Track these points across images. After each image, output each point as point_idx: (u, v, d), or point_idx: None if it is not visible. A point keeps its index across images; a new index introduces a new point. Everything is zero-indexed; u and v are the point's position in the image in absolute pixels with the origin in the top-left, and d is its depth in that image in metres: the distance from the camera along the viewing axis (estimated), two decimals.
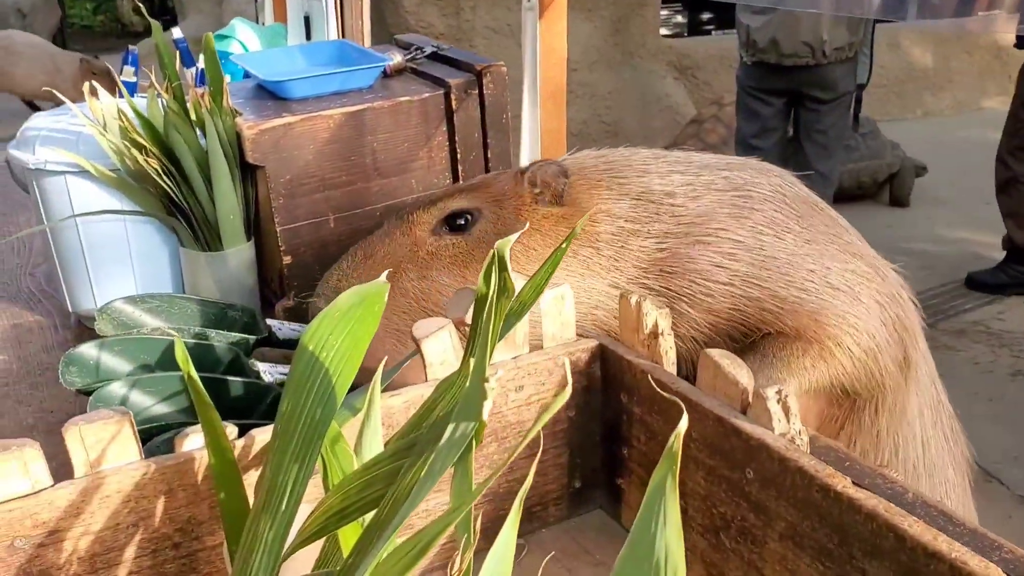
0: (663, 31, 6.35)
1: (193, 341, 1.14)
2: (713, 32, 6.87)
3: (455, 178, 1.37)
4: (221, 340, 1.16)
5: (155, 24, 1.26)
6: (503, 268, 0.55)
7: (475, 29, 5.20)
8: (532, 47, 1.36)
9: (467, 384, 0.55)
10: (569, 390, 0.49)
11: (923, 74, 6.85)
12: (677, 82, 6.07)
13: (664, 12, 6.57)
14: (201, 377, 1.10)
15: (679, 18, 7.08)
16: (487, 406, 0.52)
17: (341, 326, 0.67)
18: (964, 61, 7.08)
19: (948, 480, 1.16)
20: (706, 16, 7.00)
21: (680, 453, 0.49)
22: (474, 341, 0.57)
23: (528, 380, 0.88)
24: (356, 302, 0.69)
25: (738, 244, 1.02)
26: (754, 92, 3.94)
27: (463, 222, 1.06)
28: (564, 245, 0.65)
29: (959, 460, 1.20)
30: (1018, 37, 3.97)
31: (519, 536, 0.93)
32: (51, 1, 8.59)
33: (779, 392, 0.75)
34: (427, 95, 1.33)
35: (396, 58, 1.41)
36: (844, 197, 4.99)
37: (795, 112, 4.02)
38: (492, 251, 0.56)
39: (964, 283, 4.23)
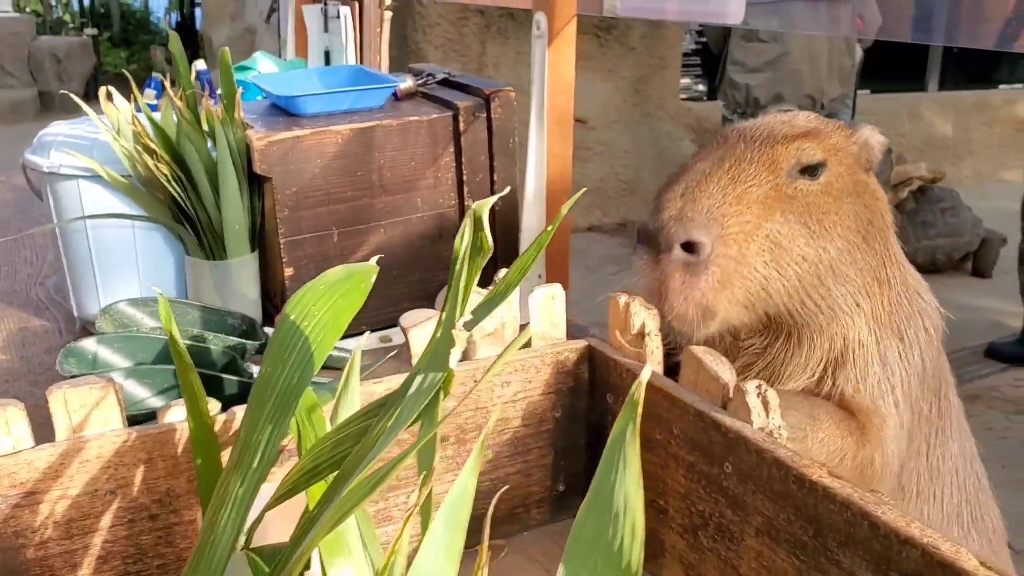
0: (682, 95, 6.43)
1: (190, 342, 1.15)
2: None
3: (460, 199, 1.39)
4: (218, 344, 1.17)
5: (172, 34, 1.30)
6: (479, 227, 0.57)
7: None
8: (540, 74, 1.39)
9: (438, 335, 0.56)
10: (531, 329, 0.49)
11: (943, 144, 6.88)
12: (694, 144, 6.12)
13: (685, 80, 6.66)
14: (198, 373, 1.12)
15: (700, 86, 7.17)
16: (455, 354, 0.53)
17: (325, 298, 0.68)
18: (984, 132, 7.11)
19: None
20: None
21: (641, 403, 0.50)
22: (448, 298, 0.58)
23: (515, 377, 0.88)
24: (343, 277, 0.70)
25: (894, 365, 1.04)
26: None
27: (815, 168, 0.99)
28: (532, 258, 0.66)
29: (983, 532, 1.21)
30: None
31: (500, 537, 0.93)
32: (87, 48, 8.81)
33: (759, 386, 0.75)
34: (436, 116, 1.36)
35: (408, 82, 1.44)
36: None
37: None
38: (472, 209, 0.57)
39: (984, 352, 4.20)
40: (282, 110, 1.40)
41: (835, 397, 1.02)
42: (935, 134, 6.89)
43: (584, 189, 0.73)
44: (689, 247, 0.92)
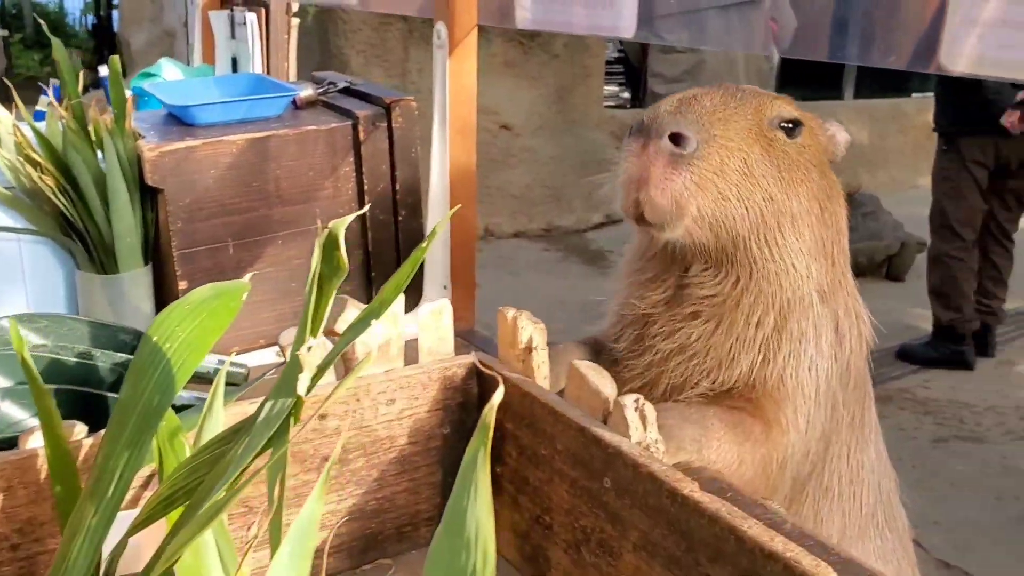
0: (606, 103, 6.49)
1: (76, 360, 1.11)
2: None
3: (361, 207, 1.37)
4: (106, 360, 1.13)
5: (56, 41, 1.26)
6: (335, 247, 0.55)
7: (420, 92, 5.26)
8: (442, 83, 1.38)
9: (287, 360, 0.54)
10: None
11: (859, 151, 7.06)
12: (619, 151, 6.18)
13: (609, 87, 6.73)
14: (83, 393, 1.08)
15: (624, 94, 7.25)
16: (303, 380, 0.51)
17: (191, 318, 0.66)
18: (899, 140, 7.32)
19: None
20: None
21: (492, 427, 0.49)
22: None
23: (400, 394, 0.87)
24: (211, 296, 0.68)
25: (826, 351, 1.06)
26: None
27: (792, 127, 1.05)
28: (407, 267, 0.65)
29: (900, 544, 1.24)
30: (935, 120, 4.11)
31: (388, 556, 0.91)
32: None
33: (637, 400, 0.75)
34: (334, 125, 1.34)
35: (307, 90, 1.42)
36: None
37: None
38: (326, 229, 0.56)
39: (896, 355, 4.30)
40: (178, 119, 1.37)
41: (771, 379, 1.03)
42: (851, 142, 7.06)
43: (458, 206, 0.72)
44: (677, 139, 0.97)
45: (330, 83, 1.48)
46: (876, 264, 5.35)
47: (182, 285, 1.27)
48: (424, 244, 0.67)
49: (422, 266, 1.39)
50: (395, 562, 0.89)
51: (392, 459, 0.88)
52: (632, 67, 6.79)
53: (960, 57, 0.76)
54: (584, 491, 0.77)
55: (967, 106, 3.86)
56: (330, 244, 0.54)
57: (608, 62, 6.48)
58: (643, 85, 4.08)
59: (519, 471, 0.86)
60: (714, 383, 1.04)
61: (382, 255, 1.41)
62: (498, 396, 0.49)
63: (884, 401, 3.90)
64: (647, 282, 1.09)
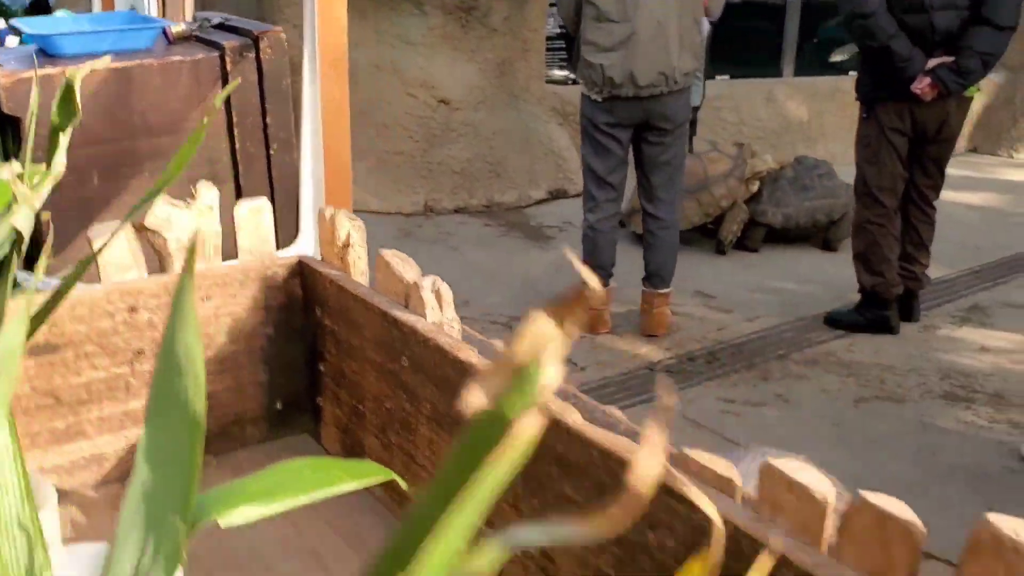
0: (547, 78, 6.49)
1: None
2: None
3: (231, 140, 1.37)
4: None
5: None
6: (70, 96, 0.56)
7: (357, 64, 5.23)
8: (311, 14, 1.38)
9: None
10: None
11: (798, 127, 7.15)
12: (561, 127, 6.20)
13: (551, 63, 6.73)
14: None
15: (566, 72, 7.25)
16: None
17: None
18: (836, 115, 7.40)
19: None
20: None
21: (195, 255, 0.50)
22: None
23: (216, 291, 0.87)
24: None
25: None
26: (606, 128, 4.03)
27: None
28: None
29: None
30: (856, 88, 4.18)
31: (212, 454, 0.92)
32: None
33: (433, 282, 0.76)
34: (200, 56, 1.34)
35: (179, 25, 1.42)
36: (791, 237, 5.25)
37: (637, 146, 4.12)
38: (65, 78, 0.56)
39: (824, 320, 4.37)
40: (46, 52, 1.36)
41: None
42: (790, 117, 7.15)
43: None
44: None
45: (205, 19, 1.47)
46: (833, 220, 5.42)
47: (45, 217, 1.26)
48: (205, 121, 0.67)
49: (298, 195, 1.40)
50: (218, 460, 0.90)
51: (211, 357, 0.88)
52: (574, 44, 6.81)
53: None
54: (388, 373, 0.79)
55: (882, 73, 3.93)
56: (68, 93, 0.55)
57: (549, 38, 6.49)
58: (576, 52, 4.06)
59: (338, 366, 0.87)
60: None
61: (254, 189, 1.41)
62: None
63: (810, 364, 3.97)
64: None
